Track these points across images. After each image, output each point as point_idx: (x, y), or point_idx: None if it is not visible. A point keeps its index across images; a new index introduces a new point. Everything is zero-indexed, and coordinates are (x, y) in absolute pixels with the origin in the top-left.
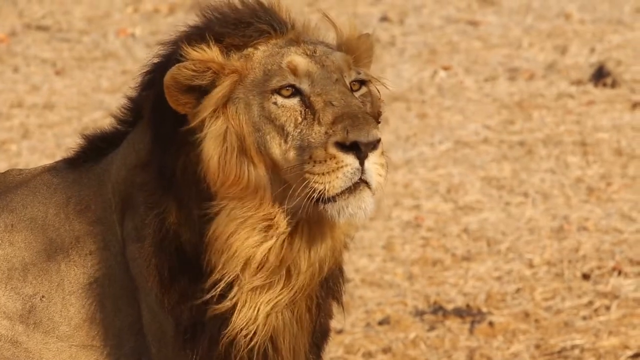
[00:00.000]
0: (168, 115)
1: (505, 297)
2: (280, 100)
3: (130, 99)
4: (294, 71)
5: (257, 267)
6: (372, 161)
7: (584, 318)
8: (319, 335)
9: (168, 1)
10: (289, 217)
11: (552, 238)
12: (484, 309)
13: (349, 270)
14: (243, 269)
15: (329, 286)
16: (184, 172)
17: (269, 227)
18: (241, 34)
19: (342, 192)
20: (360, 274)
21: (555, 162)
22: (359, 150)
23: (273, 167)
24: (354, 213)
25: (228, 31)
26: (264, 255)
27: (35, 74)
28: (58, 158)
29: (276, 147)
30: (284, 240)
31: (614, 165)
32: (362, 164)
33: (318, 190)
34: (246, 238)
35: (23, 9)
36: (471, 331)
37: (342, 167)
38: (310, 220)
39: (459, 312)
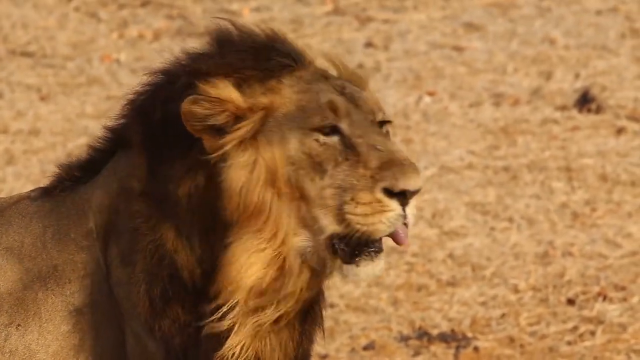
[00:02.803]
0: (170, 144)
1: (490, 322)
2: (322, 138)
3: (109, 128)
4: (335, 111)
5: (258, 293)
6: (412, 206)
7: (569, 343)
8: None
9: (153, 27)
10: (299, 251)
11: (537, 263)
12: (469, 334)
13: (333, 296)
14: (245, 295)
15: (315, 311)
16: (189, 200)
17: (277, 257)
18: (263, 67)
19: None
20: (344, 299)
21: (540, 188)
22: (404, 197)
23: (300, 201)
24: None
25: (248, 64)
26: (267, 283)
27: (20, 99)
28: (43, 184)
29: (309, 183)
30: (283, 269)
31: (598, 191)
32: (403, 209)
33: (361, 232)
34: (253, 265)
35: (7, 34)
36: (456, 356)
37: (386, 211)
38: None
39: (444, 337)
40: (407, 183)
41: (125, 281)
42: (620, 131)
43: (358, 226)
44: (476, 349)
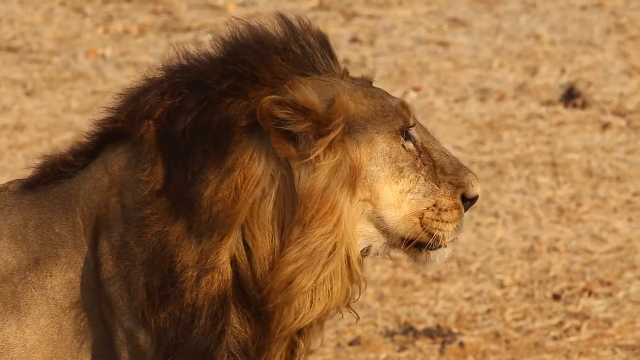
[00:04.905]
0: (200, 150)
1: (476, 317)
2: (406, 143)
3: (98, 122)
4: (409, 113)
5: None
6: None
7: (555, 338)
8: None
9: (138, 22)
10: (360, 253)
11: (523, 258)
12: (455, 330)
13: None
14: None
15: None
16: (211, 202)
17: (332, 259)
18: (321, 69)
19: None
20: None
21: (525, 183)
22: (470, 203)
23: (368, 202)
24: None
25: (306, 65)
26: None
27: (5, 95)
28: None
29: (386, 185)
30: (351, 273)
31: (584, 186)
32: None
33: (440, 237)
34: (312, 271)
35: None
36: (442, 352)
37: (460, 217)
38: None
39: (429, 333)
40: (478, 190)
41: (120, 275)
42: (605, 126)
43: (436, 231)
44: (462, 344)
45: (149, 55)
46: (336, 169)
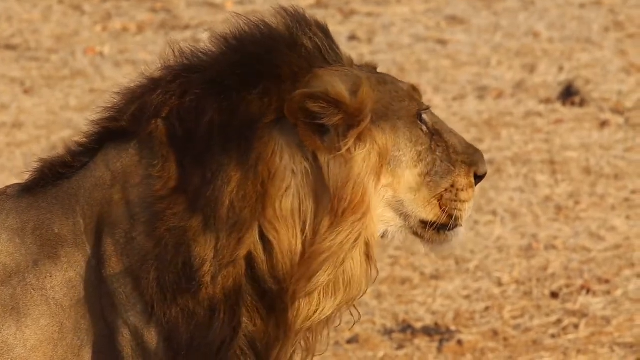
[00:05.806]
0: (219, 149)
1: (474, 315)
2: (422, 126)
3: (97, 121)
4: (420, 96)
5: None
6: None
7: (553, 336)
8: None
9: (137, 20)
10: (380, 239)
11: (521, 256)
12: (453, 328)
13: None
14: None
15: None
16: (233, 198)
17: (355, 246)
18: (332, 60)
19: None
20: None
21: (523, 181)
22: (478, 180)
23: (388, 188)
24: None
25: (317, 57)
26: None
27: (3, 92)
28: (25, 179)
29: (407, 169)
30: (369, 258)
31: (582, 184)
32: None
33: (459, 217)
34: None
35: None
36: (440, 350)
37: (473, 196)
38: None
39: (427, 331)
40: (486, 167)
41: (125, 271)
42: (603, 124)
43: (455, 212)
44: (460, 342)
45: (147, 53)
46: (366, 158)
